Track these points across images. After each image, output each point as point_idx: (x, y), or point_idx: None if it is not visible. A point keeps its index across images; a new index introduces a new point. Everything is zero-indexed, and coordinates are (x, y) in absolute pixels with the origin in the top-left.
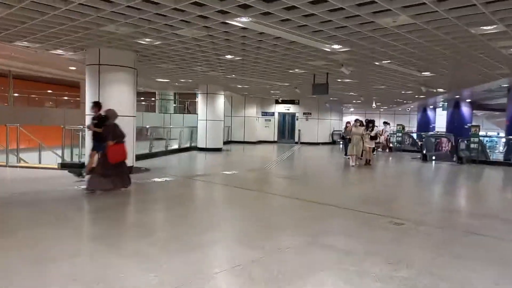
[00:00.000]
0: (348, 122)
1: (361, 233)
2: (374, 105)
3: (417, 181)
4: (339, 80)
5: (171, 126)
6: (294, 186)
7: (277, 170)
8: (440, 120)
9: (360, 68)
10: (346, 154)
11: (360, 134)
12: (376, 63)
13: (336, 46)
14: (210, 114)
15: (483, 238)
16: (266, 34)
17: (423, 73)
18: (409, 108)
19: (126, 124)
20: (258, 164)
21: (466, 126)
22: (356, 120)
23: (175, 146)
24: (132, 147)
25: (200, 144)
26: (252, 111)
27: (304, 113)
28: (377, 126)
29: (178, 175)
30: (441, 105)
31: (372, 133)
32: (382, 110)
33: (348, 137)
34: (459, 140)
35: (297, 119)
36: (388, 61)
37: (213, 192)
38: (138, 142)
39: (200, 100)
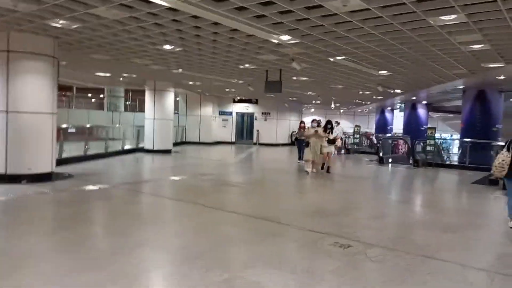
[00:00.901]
0: (302, 122)
1: (297, 261)
2: (333, 105)
3: (373, 188)
4: (295, 78)
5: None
6: (236, 196)
7: (225, 175)
8: (397, 121)
9: (315, 65)
10: (300, 158)
11: (318, 136)
12: (330, 59)
13: (284, 38)
14: (158, 113)
15: (444, 265)
16: (202, 19)
17: (380, 71)
18: (367, 109)
19: (43, 122)
20: (207, 168)
21: (422, 128)
22: (313, 121)
23: (127, 147)
24: (51, 149)
25: (147, 146)
26: (208, 110)
27: (263, 113)
28: (336, 124)
29: (105, 183)
30: (398, 106)
31: (332, 136)
32: (342, 111)
33: (302, 138)
34: (415, 143)
35: (256, 119)
36: (343, 57)
37: (130, 207)
38: (74, 142)
39: (147, 97)
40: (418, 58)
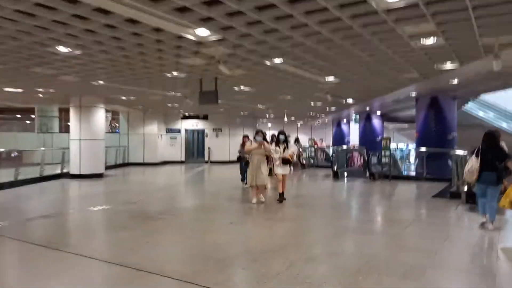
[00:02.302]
0: (245, 137)
1: None
2: (286, 119)
3: (323, 212)
4: (237, 89)
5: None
6: (142, 237)
7: (153, 203)
8: (354, 133)
9: (252, 71)
10: (243, 180)
11: (264, 153)
12: (267, 63)
13: (202, 32)
14: (85, 132)
15: None
16: (84, 4)
17: (327, 78)
18: (319, 122)
19: None
20: (136, 195)
21: (377, 139)
22: (258, 133)
23: (49, 172)
24: None
25: (74, 170)
26: (153, 128)
27: (214, 129)
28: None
29: None
30: (353, 118)
31: (289, 152)
32: (299, 125)
33: (246, 156)
34: (370, 154)
35: (207, 136)
36: (281, 60)
37: None
38: None
39: (72, 115)
40: (366, 59)
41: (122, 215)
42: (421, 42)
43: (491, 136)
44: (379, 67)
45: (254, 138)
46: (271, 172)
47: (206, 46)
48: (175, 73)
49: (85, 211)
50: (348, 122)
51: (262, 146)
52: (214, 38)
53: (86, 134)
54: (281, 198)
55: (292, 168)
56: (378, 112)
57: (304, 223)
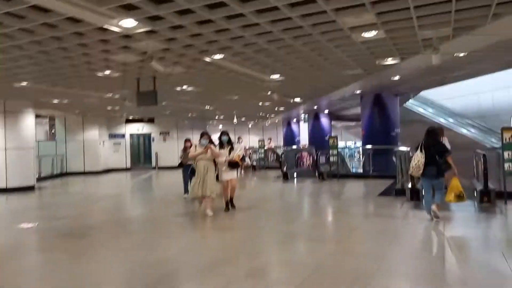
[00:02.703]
0: (187, 140)
1: None
2: (235, 120)
3: (267, 217)
4: (179, 89)
5: None
6: (67, 260)
7: (83, 217)
8: (304, 133)
9: (192, 68)
10: (186, 191)
11: (212, 159)
12: (207, 59)
13: (128, 23)
14: (11, 141)
15: None
16: None
17: (272, 76)
18: (268, 122)
19: None
20: (67, 209)
21: (326, 138)
22: (203, 135)
23: None
24: None
25: None
26: (93, 134)
27: (161, 133)
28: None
29: None
30: (302, 117)
31: (236, 154)
32: (250, 126)
33: (188, 163)
34: (318, 154)
35: (153, 141)
36: (221, 56)
37: None
38: None
39: None
40: (309, 54)
41: (48, 233)
42: (362, 35)
43: (433, 132)
44: (323, 63)
45: (200, 141)
46: (218, 178)
47: (135, 40)
48: (107, 72)
49: (3, 230)
50: (298, 122)
51: (209, 151)
52: (142, 30)
53: (12, 143)
54: (229, 206)
55: (242, 171)
56: (326, 111)
57: (249, 231)
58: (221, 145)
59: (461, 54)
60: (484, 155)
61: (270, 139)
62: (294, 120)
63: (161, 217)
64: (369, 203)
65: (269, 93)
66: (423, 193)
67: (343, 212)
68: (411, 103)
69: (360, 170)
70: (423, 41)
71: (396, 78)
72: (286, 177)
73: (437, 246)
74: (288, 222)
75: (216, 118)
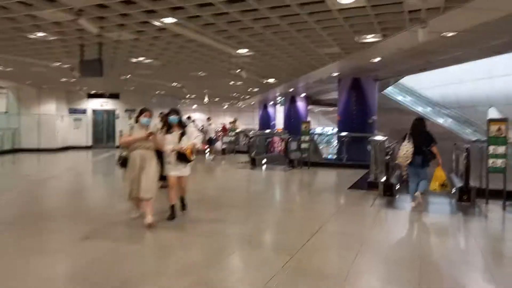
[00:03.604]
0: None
1: None
2: (206, 99)
3: (208, 225)
4: (135, 60)
5: None
6: None
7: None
8: (280, 116)
9: (142, 34)
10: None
11: (153, 148)
12: (156, 23)
13: None
14: None
15: None
16: None
17: (238, 51)
18: (241, 104)
19: None
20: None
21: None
22: (143, 111)
23: None
24: None
25: None
26: (51, 108)
27: (126, 110)
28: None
29: None
30: (279, 100)
31: (191, 142)
32: (225, 107)
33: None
34: (289, 140)
35: (118, 118)
36: (172, 20)
37: None
38: None
39: None
40: (279, 24)
41: None
42: (339, 0)
43: (420, 122)
44: (296, 36)
45: (139, 121)
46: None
47: None
48: (40, 34)
49: None
50: (275, 105)
51: (150, 136)
52: None
53: None
54: (174, 212)
55: (211, 156)
56: (303, 95)
57: (186, 239)
58: (169, 128)
59: (449, 34)
60: (467, 149)
61: (235, 120)
62: (271, 103)
63: (92, 210)
64: (337, 198)
65: (238, 70)
66: (409, 182)
67: (305, 209)
68: (390, 91)
69: (339, 158)
70: (410, 13)
71: (377, 60)
72: (253, 163)
73: (408, 253)
74: (237, 222)
75: (188, 97)
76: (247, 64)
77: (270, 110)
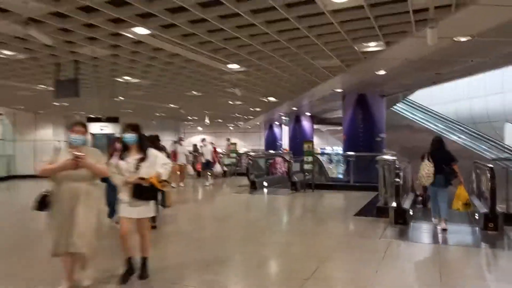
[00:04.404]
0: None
1: None
2: (207, 120)
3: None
4: (121, 80)
5: None
6: None
7: None
8: (286, 137)
9: (119, 49)
10: (111, 215)
11: (90, 177)
12: (129, 34)
13: None
14: None
15: None
16: None
17: (229, 66)
18: (242, 124)
19: None
20: None
21: None
22: (76, 127)
23: None
24: None
25: None
26: (47, 133)
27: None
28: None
29: None
30: (284, 120)
31: (155, 172)
32: (232, 128)
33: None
34: (291, 161)
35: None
36: (145, 30)
37: None
38: None
39: None
40: (270, 35)
41: None
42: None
43: (439, 141)
44: (287, 48)
45: (70, 140)
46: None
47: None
48: (7, 52)
49: None
50: (280, 125)
51: (78, 161)
52: None
53: None
54: (131, 270)
55: (211, 177)
56: (308, 113)
57: None
58: (125, 149)
59: (463, 39)
60: (491, 169)
61: (228, 140)
62: (276, 123)
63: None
64: (341, 228)
65: (233, 88)
66: (431, 202)
67: (301, 243)
68: (399, 107)
69: (346, 179)
70: (416, 14)
71: (381, 72)
72: (253, 186)
73: None
74: (224, 265)
75: (189, 118)
76: (242, 81)
77: (276, 130)
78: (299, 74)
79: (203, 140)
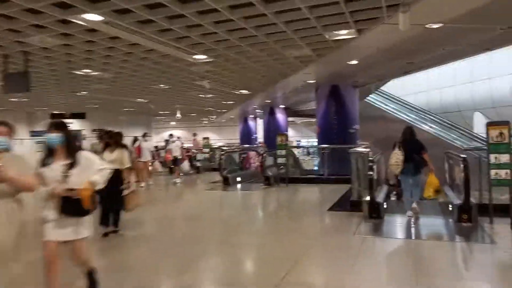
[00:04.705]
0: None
1: None
2: (178, 114)
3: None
4: (80, 73)
5: None
6: None
7: None
8: (262, 130)
9: (71, 38)
10: (105, 222)
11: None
12: (77, 21)
13: None
14: None
15: None
16: None
17: (195, 56)
18: (220, 118)
19: None
20: None
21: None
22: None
23: None
24: None
25: None
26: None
27: (94, 130)
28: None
29: None
30: (258, 113)
31: (89, 180)
32: (206, 122)
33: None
34: (264, 154)
35: (85, 139)
36: (96, 17)
37: None
38: None
39: None
40: (237, 23)
41: None
42: None
43: (410, 131)
44: (256, 37)
45: None
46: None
47: None
48: None
49: None
50: (255, 118)
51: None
52: None
53: None
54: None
55: (176, 174)
56: (282, 106)
57: None
58: (49, 153)
59: (434, 26)
60: (464, 160)
61: (195, 135)
62: (251, 116)
63: None
64: (313, 225)
65: (201, 82)
66: (403, 191)
67: (271, 244)
68: (373, 98)
69: (320, 172)
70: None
71: (354, 62)
72: (226, 182)
73: None
74: (183, 271)
75: (161, 113)
76: (210, 73)
77: (251, 123)
78: (270, 64)
79: (171, 135)
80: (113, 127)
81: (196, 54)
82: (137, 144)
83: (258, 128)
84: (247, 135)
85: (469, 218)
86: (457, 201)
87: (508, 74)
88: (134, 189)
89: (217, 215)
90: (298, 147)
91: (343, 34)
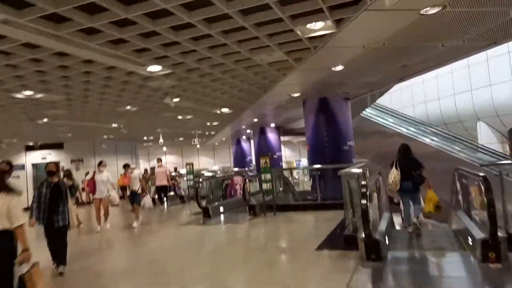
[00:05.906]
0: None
1: None
2: (161, 140)
3: None
4: (20, 95)
5: None
6: None
7: None
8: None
9: None
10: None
11: None
12: None
13: None
14: None
15: None
16: None
17: (149, 68)
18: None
19: None
20: None
21: (275, 156)
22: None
23: None
24: None
25: None
26: None
27: (72, 161)
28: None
29: None
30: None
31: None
32: (198, 146)
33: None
34: (246, 180)
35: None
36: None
37: None
38: None
39: None
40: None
41: None
42: None
43: (405, 148)
44: (213, 37)
45: None
46: None
47: None
48: None
49: None
50: (249, 139)
51: None
52: None
53: None
54: None
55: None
56: (272, 124)
57: None
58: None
59: (432, 11)
60: (485, 180)
61: (160, 160)
62: (243, 137)
63: None
64: (297, 272)
65: (165, 97)
66: (403, 208)
67: None
68: (369, 112)
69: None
70: None
71: (339, 68)
72: (206, 214)
73: None
74: None
75: (145, 138)
76: (176, 89)
77: (245, 145)
78: (242, 74)
79: (127, 166)
80: (95, 156)
81: (147, 64)
82: (89, 176)
83: (252, 149)
84: (240, 157)
85: (497, 257)
86: (480, 234)
87: (509, 80)
88: (35, 264)
89: (181, 264)
90: (287, 169)
91: (318, 28)
